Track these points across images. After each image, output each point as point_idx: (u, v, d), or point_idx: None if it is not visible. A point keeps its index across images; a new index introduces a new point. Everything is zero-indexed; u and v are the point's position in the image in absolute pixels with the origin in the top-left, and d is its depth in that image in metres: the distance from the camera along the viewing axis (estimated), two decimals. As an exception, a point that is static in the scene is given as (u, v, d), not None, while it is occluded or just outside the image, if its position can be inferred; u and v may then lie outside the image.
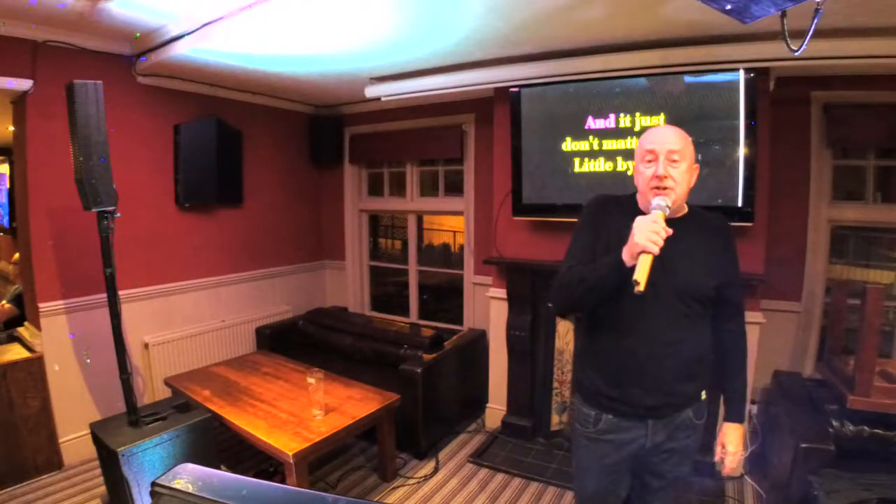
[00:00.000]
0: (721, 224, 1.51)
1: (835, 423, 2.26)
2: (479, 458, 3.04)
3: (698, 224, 1.46)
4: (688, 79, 2.57)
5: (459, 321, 4.11)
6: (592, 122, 2.82)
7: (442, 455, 3.10)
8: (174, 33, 2.62)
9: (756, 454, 2.80)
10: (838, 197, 2.94)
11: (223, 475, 0.71)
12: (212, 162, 3.52)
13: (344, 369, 3.31)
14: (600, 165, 2.83)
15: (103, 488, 2.48)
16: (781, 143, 2.80)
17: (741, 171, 2.50)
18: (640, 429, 1.45)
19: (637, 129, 2.71)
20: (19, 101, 2.75)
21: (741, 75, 2.44)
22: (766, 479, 2.64)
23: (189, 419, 2.33)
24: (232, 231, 3.87)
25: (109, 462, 2.15)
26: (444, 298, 4.54)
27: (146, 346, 3.27)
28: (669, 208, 1.29)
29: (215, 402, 2.68)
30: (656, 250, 1.18)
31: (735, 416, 1.55)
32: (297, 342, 4.04)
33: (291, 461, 2.18)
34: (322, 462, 2.95)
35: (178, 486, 0.68)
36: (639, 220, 1.24)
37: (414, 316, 4.40)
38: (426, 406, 3.04)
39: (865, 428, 2.21)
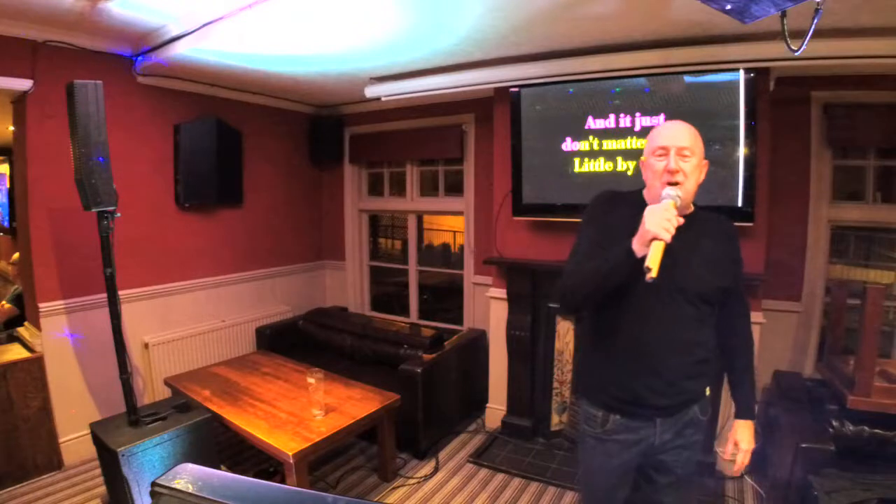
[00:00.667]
0: (727, 225, 1.53)
1: (835, 423, 2.26)
2: (479, 458, 3.04)
3: (704, 224, 1.46)
4: (688, 79, 2.57)
5: (459, 321, 4.11)
6: (592, 122, 2.82)
7: (442, 455, 3.10)
8: (174, 33, 2.62)
9: (756, 454, 2.79)
10: (838, 197, 2.94)
11: (223, 475, 0.71)
12: (212, 162, 3.52)
13: (344, 369, 3.31)
14: (600, 165, 2.83)
15: (103, 488, 2.48)
16: (781, 143, 2.80)
17: (741, 171, 2.50)
18: (648, 428, 1.46)
19: (637, 129, 2.71)
20: (19, 101, 2.75)
21: (741, 75, 2.45)
22: (766, 479, 2.64)
23: (189, 419, 2.33)
24: (232, 231, 3.87)
25: (109, 462, 2.16)
26: (444, 298, 4.54)
27: (146, 346, 3.27)
28: (680, 199, 1.29)
29: (215, 402, 2.68)
30: (668, 237, 1.17)
31: (747, 412, 1.55)
32: (297, 342, 4.04)
33: (291, 461, 2.18)
34: (322, 462, 2.95)
35: (178, 486, 0.68)
36: (650, 208, 1.24)
37: (414, 316, 4.40)
38: (426, 406, 3.04)
39: (865, 428, 2.21)
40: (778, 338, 2.95)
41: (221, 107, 3.65)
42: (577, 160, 2.90)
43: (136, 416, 2.26)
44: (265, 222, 4.14)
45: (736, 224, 2.49)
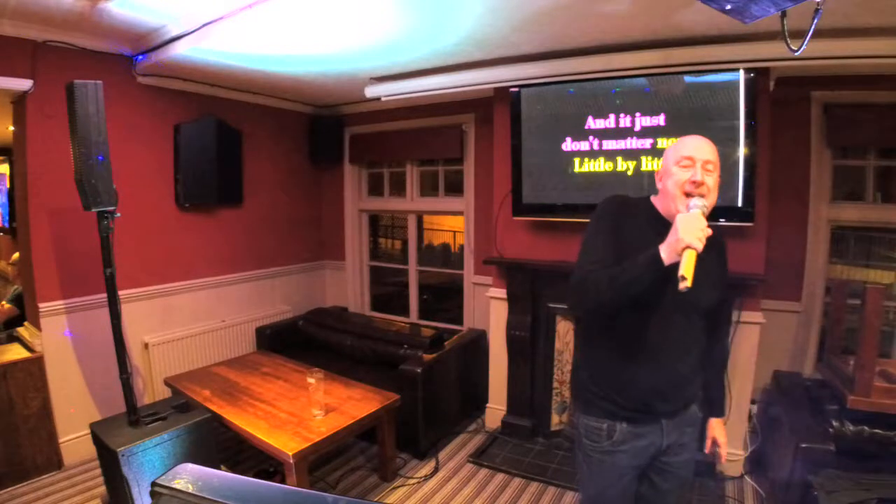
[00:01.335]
0: (719, 237, 1.53)
1: (835, 423, 2.26)
2: (479, 458, 3.04)
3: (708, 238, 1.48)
4: (688, 79, 2.57)
5: (459, 321, 4.11)
6: (592, 122, 2.83)
7: (442, 455, 3.10)
8: (174, 33, 2.62)
9: (756, 454, 2.80)
10: (838, 197, 2.94)
11: (223, 475, 0.71)
12: (212, 162, 3.52)
13: (344, 369, 3.31)
14: (600, 165, 2.83)
15: (103, 488, 2.48)
16: (781, 143, 2.80)
17: (741, 171, 2.50)
18: (655, 432, 1.47)
19: (637, 129, 2.72)
20: (19, 101, 2.75)
21: (741, 75, 2.45)
22: (766, 479, 2.64)
23: (189, 419, 2.33)
24: (232, 231, 3.87)
25: (109, 462, 2.15)
26: (444, 298, 4.54)
27: (146, 346, 3.27)
28: (707, 209, 1.30)
29: (215, 402, 2.68)
30: (700, 246, 1.19)
31: (721, 411, 1.68)
32: (297, 342, 4.04)
33: (291, 461, 2.18)
34: (322, 462, 2.95)
35: (178, 486, 0.68)
36: (682, 216, 1.25)
37: (414, 316, 4.40)
38: (426, 406, 3.04)
39: (865, 428, 2.21)
40: (778, 338, 2.95)
41: (221, 107, 3.65)
42: (577, 160, 2.90)
43: (136, 416, 2.26)
44: (265, 222, 4.14)
45: (736, 224, 2.55)
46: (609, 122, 2.78)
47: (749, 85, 2.44)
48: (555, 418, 3.28)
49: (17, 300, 3.36)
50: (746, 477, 2.75)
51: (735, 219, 2.55)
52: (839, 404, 2.28)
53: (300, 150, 4.44)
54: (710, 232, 1.23)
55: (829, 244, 2.93)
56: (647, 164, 2.70)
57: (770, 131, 2.60)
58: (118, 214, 2.23)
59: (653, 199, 1.50)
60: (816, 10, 1.14)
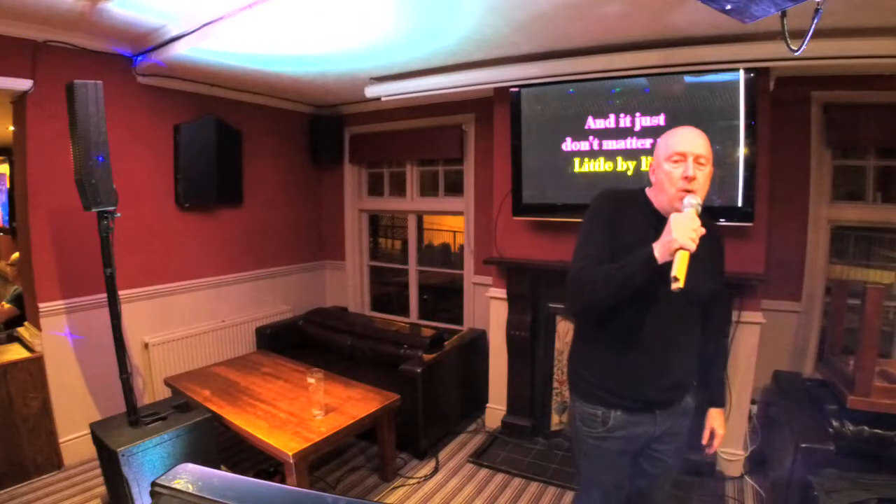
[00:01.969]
0: (716, 229, 1.55)
1: (835, 423, 2.26)
2: (479, 458, 3.04)
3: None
4: (688, 79, 2.57)
5: (459, 321, 4.11)
6: (592, 122, 2.83)
7: (442, 455, 3.10)
8: (174, 33, 2.62)
9: (756, 454, 2.80)
10: (838, 197, 2.94)
11: (223, 475, 0.71)
12: (212, 162, 3.52)
13: (344, 369, 3.31)
14: (600, 165, 2.83)
15: (103, 488, 2.48)
16: (781, 143, 2.80)
17: (741, 171, 2.50)
18: (648, 421, 1.49)
19: (637, 129, 2.72)
20: (19, 101, 2.75)
21: (741, 75, 2.45)
22: (766, 479, 2.64)
23: (189, 419, 2.33)
24: (232, 231, 3.87)
25: (109, 462, 2.15)
26: (444, 298, 4.54)
27: (146, 346, 3.27)
28: (700, 207, 1.31)
29: (215, 402, 2.68)
30: (693, 247, 1.20)
31: (720, 401, 1.67)
32: (297, 342, 4.04)
33: (291, 461, 2.18)
34: (322, 462, 2.95)
35: (178, 486, 0.68)
36: (675, 216, 1.25)
37: (414, 316, 4.40)
38: (426, 406, 3.04)
39: (865, 428, 2.21)
40: (778, 338, 2.95)
41: (221, 107, 3.65)
42: (577, 160, 2.90)
43: (136, 416, 2.26)
44: (265, 222, 4.14)
45: (736, 224, 2.55)
46: (609, 122, 2.78)
47: (749, 85, 2.44)
48: (555, 418, 3.28)
49: (17, 300, 3.36)
50: (746, 477, 2.75)
51: (735, 219, 2.55)
52: (839, 404, 2.28)
53: (300, 150, 4.44)
54: (703, 231, 1.23)
55: (829, 244, 2.93)
56: (648, 164, 2.70)
57: (770, 131, 2.60)
58: (118, 214, 2.23)
59: (647, 191, 1.50)
60: (816, 10, 1.14)
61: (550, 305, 3.21)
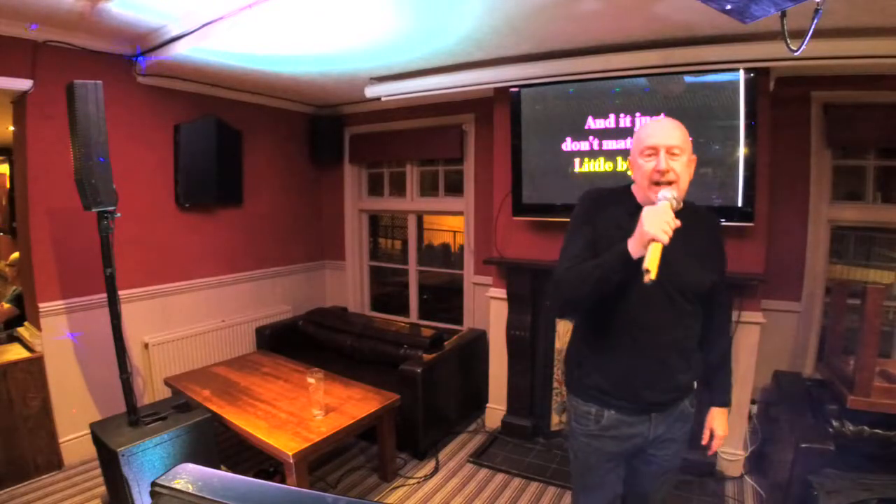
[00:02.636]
0: (712, 220, 1.54)
1: (835, 423, 2.26)
2: (479, 458, 3.04)
3: (693, 219, 1.45)
4: (688, 79, 2.57)
5: (459, 321, 4.11)
6: (592, 122, 2.83)
7: (442, 455, 3.10)
8: (174, 33, 2.62)
9: (756, 454, 2.80)
10: (838, 197, 2.94)
11: (223, 475, 0.71)
12: (212, 162, 3.52)
13: (344, 369, 3.31)
14: (600, 165, 2.83)
15: (103, 488, 2.48)
16: (781, 143, 2.80)
17: (741, 170, 2.50)
18: (643, 423, 1.46)
19: (637, 129, 2.71)
20: (19, 101, 2.75)
21: (741, 75, 2.45)
22: (766, 479, 2.64)
23: (189, 419, 2.33)
24: (232, 231, 3.87)
25: (109, 462, 2.15)
26: (444, 298, 4.54)
27: (146, 346, 3.27)
28: (676, 201, 1.28)
29: (215, 402, 2.68)
30: (666, 239, 1.17)
31: (722, 401, 1.61)
32: (297, 342, 4.04)
33: (291, 461, 2.18)
34: (322, 462, 2.95)
35: (178, 486, 0.68)
36: (647, 209, 1.23)
37: (414, 316, 4.40)
38: (426, 406, 3.04)
39: (865, 428, 2.21)
40: (778, 338, 2.95)
41: (221, 107, 3.65)
42: (577, 160, 2.90)
43: (136, 416, 2.26)
44: (265, 222, 4.14)
45: (736, 224, 2.55)
46: (609, 122, 2.78)
47: (749, 85, 2.44)
48: (555, 418, 3.28)
49: (17, 300, 3.36)
50: (746, 477, 2.75)
51: (735, 219, 2.55)
52: (839, 404, 2.28)
53: (300, 150, 4.44)
54: (677, 224, 1.19)
55: (829, 244, 2.93)
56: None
57: (770, 131, 2.60)
58: (118, 214, 2.23)
59: (633, 187, 1.48)
60: (816, 10, 1.14)
61: (548, 304, 3.20)
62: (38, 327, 2.79)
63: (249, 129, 3.88)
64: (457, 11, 2.23)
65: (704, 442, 1.61)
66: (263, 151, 4.06)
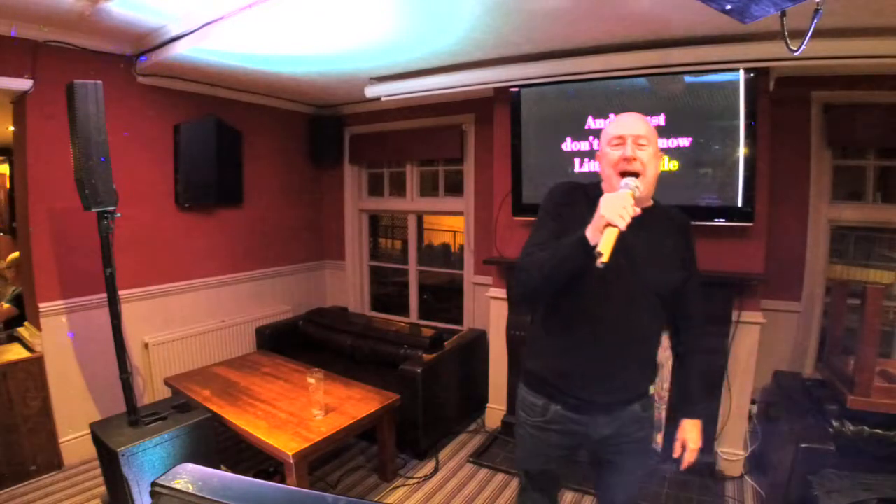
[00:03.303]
0: (683, 219, 1.51)
1: (835, 423, 2.26)
2: (479, 458, 3.04)
3: (662, 218, 1.45)
4: (688, 79, 2.57)
5: (459, 321, 4.11)
6: (592, 122, 2.83)
7: (442, 455, 3.10)
8: (174, 33, 2.62)
9: (756, 454, 2.80)
10: (838, 197, 2.94)
11: (223, 475, 0.71)
12: (212, 162, 3.52)
13: (344, 369, 3.31)
14: (600, 165, 2.83)
15: (103, 488, 2.48)
16: (781, 143, 2.80)
17: (741, 171, 2.51)
18: (587, 421, 1.45)
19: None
20: (19, 101, 2.75)
21: (741, 75, 2.45)
22: (766, 479, 2.64)
23: (189, 419, 2.33)
24: (232, 231, 3.87)
25: (109, 462, 2.15)
26: (444, 298, 4.54)
27: (146, 346, 3.27)
28: (639, 189, 1.28)
29: (215, 402, 2.68)
30: (622, 225, 1.15)
31: (693, 412, 1.56)
32: (297, 342, 4.04)
33: (291, 461, 2.18)
34: (322, 462, 2.95)
35: (178, 486, 0.68)
36: (607, 195, 1.22)
37: (414, 316, 4.40)
38: (426, 406, 3.04)
39: (865, 428, 2.21)
40: (778, 338, 2.95)
41: (221, 107, 3.65)
42: (577, 160, 2.90)
43: (136, 416, 2.26)
44: (265, 222, 4.14)
45: (736, 224, 2.55)
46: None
47: (749, 85, 2.44)
48: (555, 418, 3.27)
49: (17, 300, 3.36)
50: (746, 477, 2.75)
51: (735, 219, 2.55)
52: (839, 404, 2.28)
53: (300, 150, 4.44)
54: (637, 211, 1.17)
55: (829, 244, 2.93)
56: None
57: (770, 131, 2.60)
58: (118, 214, 2.23)
59: (602, 184, 1.46)
60: (816, 10, 1.14)
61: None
62: (38, 327, 2.79)
63: (249, 129, 3.88)
64: (456, 11, 2.23)
65: (676, 455, 1.56)
66: (263, 151, 4.06)
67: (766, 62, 2.41)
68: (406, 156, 4.17)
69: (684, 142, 2.61)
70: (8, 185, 5.13)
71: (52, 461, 2.80)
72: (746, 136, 2.47)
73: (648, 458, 1.55)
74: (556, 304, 1.44)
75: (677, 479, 2.72)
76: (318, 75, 3.35)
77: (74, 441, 2.87)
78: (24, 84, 2.62)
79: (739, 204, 2.53)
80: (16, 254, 3.39)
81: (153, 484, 0.70)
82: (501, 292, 3.32)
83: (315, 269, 4.72)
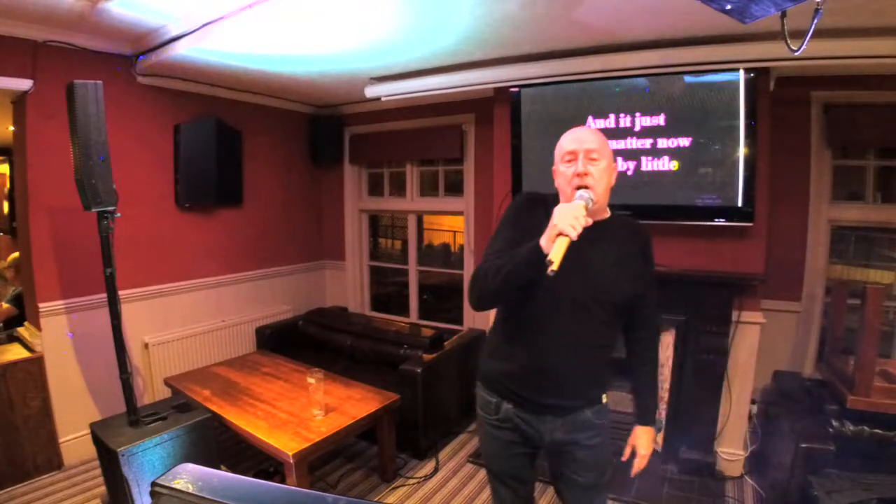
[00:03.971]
0: (640, 230, 1.52)
1: (835, 423, 2.26)
2: (479, 458, 3.04)
3: (618, 229, 1.47)
4: (688, 79, 2.57)
5: (459, 321, 4.11)
6: (592, 122, 2.82)
7: (442, 455, 3.10)
8: (174, 33, 2.62)
9: (756, 454, 2.80)
10: (838, 197, 2.94)
11: (223, 475, 0.71)
12: (212, 162, 3.52)
13: (344, 369, 3.31)
14: (600, 165, 2.83)
15: (103, 488, 2.48)
16: (781, 142, 2.80)
17: (741, 171, 2.50)
18: (538, 423, 1.47)
19: (637, 129, 2.72)
20: (19, 101, 2.75)
21: (741, 75, 2.45)
22: (766, 479, 2.64)
23: (189, 419, 2.33)
24: (232, 231, 3.87)
25: (109, 462, 2.15)
26: (444, 298, 4.54)
27: (146, 346, 3.27)
28: (593, 202, 1.30)
29: (215, 402, 2.68)
30: (574, 234, 1.17)
31: (646, 419, 1.59)
32: (297, 342, 4.04)
33: (291, 461, 2.18)
34: (322, 462, 2.95)
35: (178, 486, 0.68)
36: (560, 205, 1.25)
37: (414, 316, 4.40)
38: (426, 406, 3.04)
39: (865, 428, 2.21)
40: (778, 338, 2.95)
41: (221, 107, 3.65)
42: (577, 160, 2.89)
43: (136, 416, 2.26)
44: (265, 222, 4.14)
45: (736, 224, 2.55)
46: (609, 122, 2.78)
47: (749, 85, 2.44)
48: (555, 418, 3.27)
49: (17, 300, 3.36)
50: (746, 477, 2.75)
51: (735, 219, 2.55)
52: (839, 404, 2.29)
53: (300, 150, 4.44)
54: (588, 222, 1.20)
55: (829, 244, 2.93)
56: (647, 164, 2.70)
57: (770, 131, 2.60)
58: (118, 214, 2.23)
59: (560, 197, 1.47)
60: (816, 10, 1.14)
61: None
62: (38, 327, 2.79)
63: (249, 129, 3.88)
64: (456, 11, 2.23)
65: (624, 458, 1.58)
66: (263, 151, 4.06)
67: (766, 62, 2.41)
68: (406, 156, 4.17)
69: (684, 142, 2.61)
70: (8, 185, 5.13)
71: (52, 461, 2.80)
72: (746, 136, 2.47)
73: (607, 470, 1.53)
74: (509, 309, 1.48)
75: (677, 479, 2.72)
76: (317, 75, 3.35)
77: (74, 441, 2.87)
78: (24, 84, 2.62)
79: (739, 204, 2.53)
80: (16, 254, 3.40)
81: (153, 484, 0.70)
82: (501, 292, 3.31)
83: (315, 268, 4.72)
